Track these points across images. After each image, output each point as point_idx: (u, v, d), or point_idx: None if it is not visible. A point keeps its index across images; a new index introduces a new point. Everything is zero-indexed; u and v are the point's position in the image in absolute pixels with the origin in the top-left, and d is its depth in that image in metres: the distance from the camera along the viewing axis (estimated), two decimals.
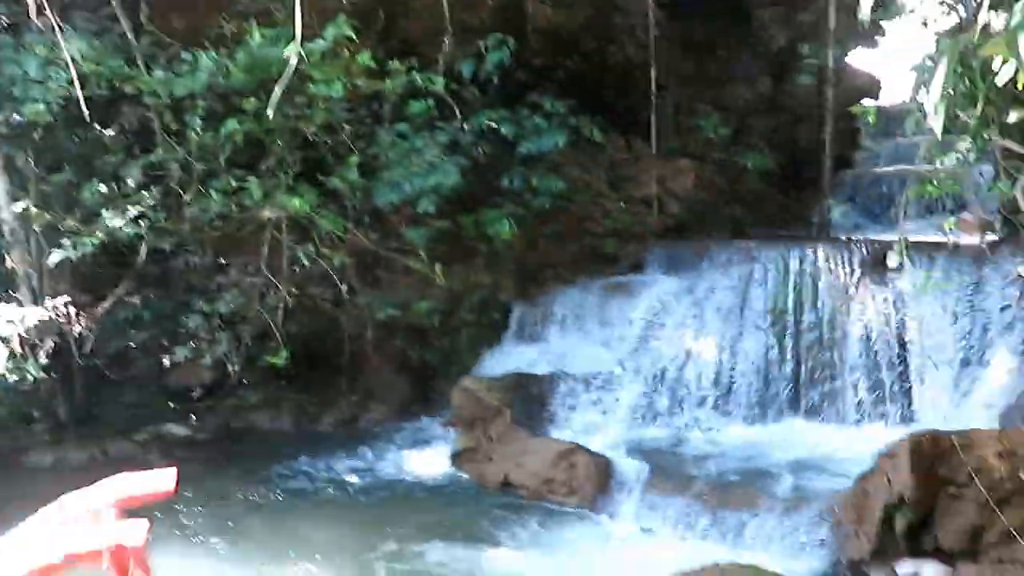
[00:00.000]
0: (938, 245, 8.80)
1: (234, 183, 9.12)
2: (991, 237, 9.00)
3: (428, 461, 8.52)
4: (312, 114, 9.24)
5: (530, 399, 8.71)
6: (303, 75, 8.88)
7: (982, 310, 8.19)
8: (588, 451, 7.57)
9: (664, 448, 8.23)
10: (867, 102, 13.19)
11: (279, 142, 9.32)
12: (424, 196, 9.56)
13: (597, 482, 7.36)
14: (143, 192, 9.02)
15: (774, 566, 5.91)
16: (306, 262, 9.37)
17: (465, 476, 8.18)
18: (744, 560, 6.06)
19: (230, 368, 9.26)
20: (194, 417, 8.79)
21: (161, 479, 1.01)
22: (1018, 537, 5.74)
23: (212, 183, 9.18)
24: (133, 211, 8.81)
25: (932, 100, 1.63)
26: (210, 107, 9.18)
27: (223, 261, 10.12)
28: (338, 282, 9.77)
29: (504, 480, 7.83)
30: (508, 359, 9.81)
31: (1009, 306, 8.13)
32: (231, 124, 8.95)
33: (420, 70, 9.63)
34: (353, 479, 8.15)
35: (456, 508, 7.47)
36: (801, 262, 9.12)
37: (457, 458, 8.38)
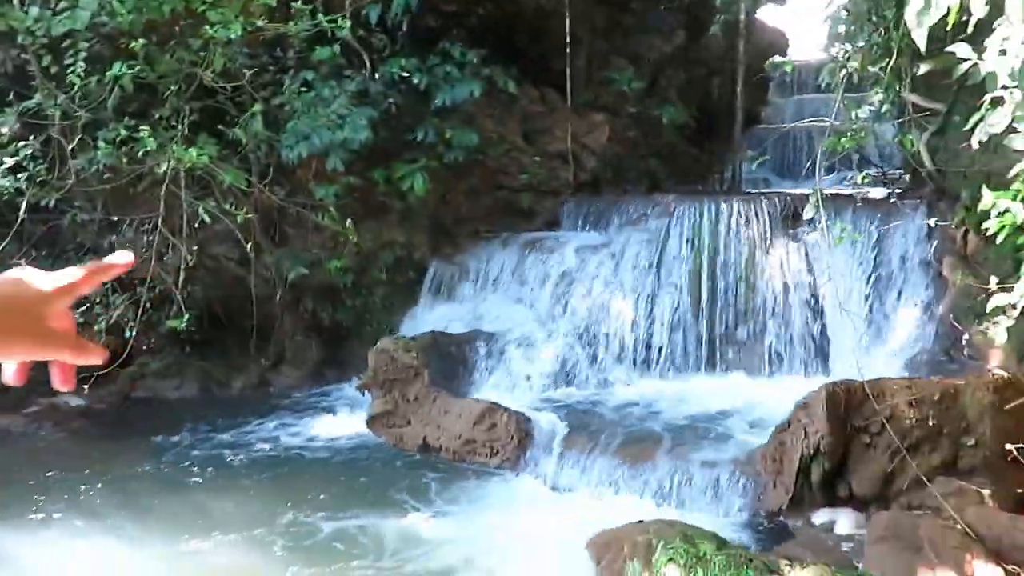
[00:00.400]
0: (847, 198, 8.97)
1: (124, 133, 8.45)
2: (897, 190, 9.24)
3: (343, 426, 8.22)
4: (209, 58, 8.60)
5: (448, 359, 8.50)
6: (198, 16, 8.23)
7: (889, 261, 8.41)
8: (508, 410, 7.42)
9: (584, 405, 8.17)
10: (776, 58, 13.30)
11: (173, 88, 8.66)
12: (333, 152, 9.10)
13: (518, 442, 7.24)
14: (21, 142, 8.25)
15: (695, 520, 5.94)
16: (207, 219, 8.81)
17: (382, 440, 7.92)
18: (665, 514, 6.08)
19: (127, 333, 8.66)
20: (86, 387, 8.22)
21: (120, 256, 0.83)
22: (927, 482, 5.93)
23: (99, 133, 8.48)
24: (9, 162, 8.05)
25: (915, 8, 1.44)
26: (94, 49, 8.44)
27: (116, 218, 9.43)
28: (242, 240, 9.24)
29: (423, 443, 7.63)
30: (424, 318, 9.56)
31: (914, 257, 8.37)
32: (118, 68, 8.24)
33: (325, 13, 9.09)
34: (263, 447, 7.79)
35: (371, 474, 7.21)
36: (717, 216, 9.14)
37: (373, 422, 8.11)
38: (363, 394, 8.46)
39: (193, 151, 8.42)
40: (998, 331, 4.03)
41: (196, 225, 9.01)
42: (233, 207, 8.95)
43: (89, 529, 6.10)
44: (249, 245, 9.23)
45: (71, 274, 0.90)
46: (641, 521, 5.45)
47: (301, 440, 7.98)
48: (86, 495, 6.66)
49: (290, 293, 9.86)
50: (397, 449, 7.77)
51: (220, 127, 9.06)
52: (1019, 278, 5.21)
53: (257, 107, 8.96)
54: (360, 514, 6.32)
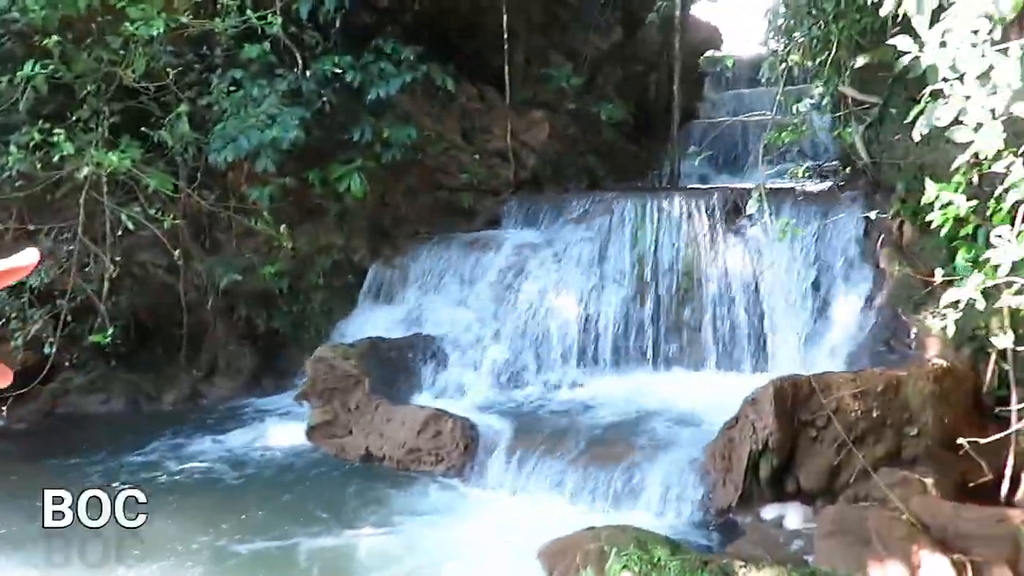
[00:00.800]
0: (787, 192, 9.00)
1: (38, 137, 7.97)
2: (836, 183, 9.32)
3: (281, 438, 7.89)
4: (130, 57, 8.18)
5: (389, 365, 8.26)
6: (117, 13, 7.82)
7: (829, 254, 8.47)
8: (453, 417, 7.23)
9: (530, 408, 8.03)
10: (714, 53, 13.36)
11: (91, 89, 8.22)
12: (262, 153, 8.76)
13: (464, 448, 7.06)
14: None
15: (645, 521, 5.86)
16: (131, 226, 8.38)
17: (323, 452, 7.63)
18: (615, 517, 5.97)
19: (47, 349, 8.18)
20: (4, 408, 7.73)
21: (24, 256, 0.66)
22: (873, 474, 5.96)
23: (10, 137, 8.00)
24: None
25: None
26: (5, 47, 7.97)
27: (33, 227, 8.90)
28: (170, 247, 8.83)
29: (366, 453, 7.39)
30: (364, 323, 9.29)
31: (853, 249, 8.43)
32: (31, 68, 7.78)
33: (254, 9, 8.74)
34: (194, 464, 7.39)
35: (310, 488, 6.91)
36: (659, 212, 9.09)
37: (313, 432, 7.82)
38: (302, 404, 8.17)
39: (114, 155, 8.01)
40: (947, 324, 4.01)
41: (120, 232, 8.58)
42: (160, 213, 8.54)
43: (4, 561, 5.69)
44: (177, 252, 8.83)
45: None
46: (593, 527, 5.33)
47: (236, 455, 7.62)
48: (1, 523, 6.22)
49: (223, 300, 9.48)
50: (339, 460, 7.50)
51: (144, 129, 8.65)
52: (955, 268, 5.24)
53: (183, 108, 8.59)
54: (295, 532, 6.01)
